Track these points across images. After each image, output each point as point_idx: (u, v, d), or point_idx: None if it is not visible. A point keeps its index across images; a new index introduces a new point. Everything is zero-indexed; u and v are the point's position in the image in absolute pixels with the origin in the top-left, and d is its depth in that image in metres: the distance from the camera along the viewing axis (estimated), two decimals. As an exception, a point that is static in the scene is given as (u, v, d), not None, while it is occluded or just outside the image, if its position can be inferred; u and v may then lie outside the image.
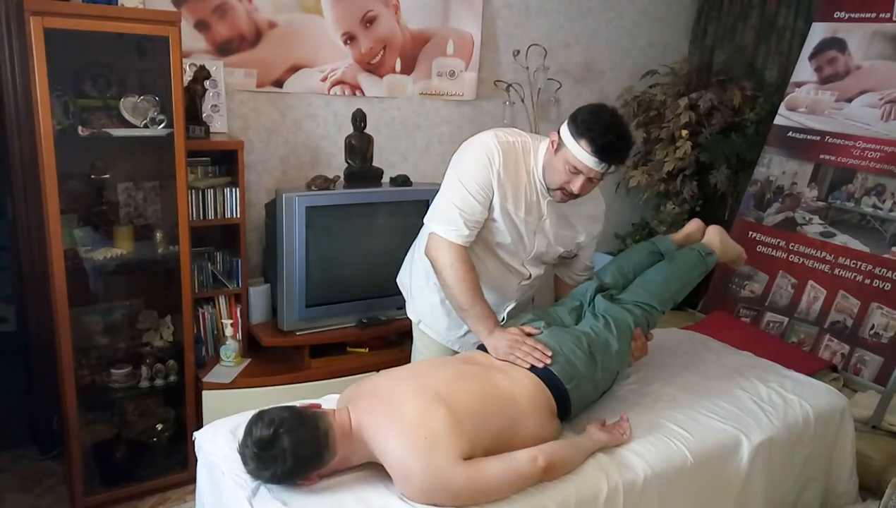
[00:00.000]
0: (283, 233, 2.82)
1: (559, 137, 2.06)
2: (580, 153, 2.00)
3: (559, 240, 2.26)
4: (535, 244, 2.23)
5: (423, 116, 3.65)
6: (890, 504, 2.17)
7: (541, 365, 1.97)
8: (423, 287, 2.35)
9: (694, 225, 2.59)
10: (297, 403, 1.81)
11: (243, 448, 1.65)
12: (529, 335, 2.07)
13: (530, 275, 2.30)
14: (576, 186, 2.06)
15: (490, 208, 2.13)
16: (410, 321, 2.46)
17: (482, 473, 1.65)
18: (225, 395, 2.77)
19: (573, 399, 1.99)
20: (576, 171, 2.03)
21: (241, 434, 1.72)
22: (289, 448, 1.59)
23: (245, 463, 1.65)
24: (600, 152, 1.99)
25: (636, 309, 2.21)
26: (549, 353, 1.99)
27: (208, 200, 2.80)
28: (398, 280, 2.54)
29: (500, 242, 2.20)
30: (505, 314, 2.32)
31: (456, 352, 2.34)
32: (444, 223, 2.11)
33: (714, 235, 2.51)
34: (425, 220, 2.22)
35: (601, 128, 1.98)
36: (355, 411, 1.73)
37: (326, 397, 2.13)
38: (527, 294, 2.40)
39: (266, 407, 1.69)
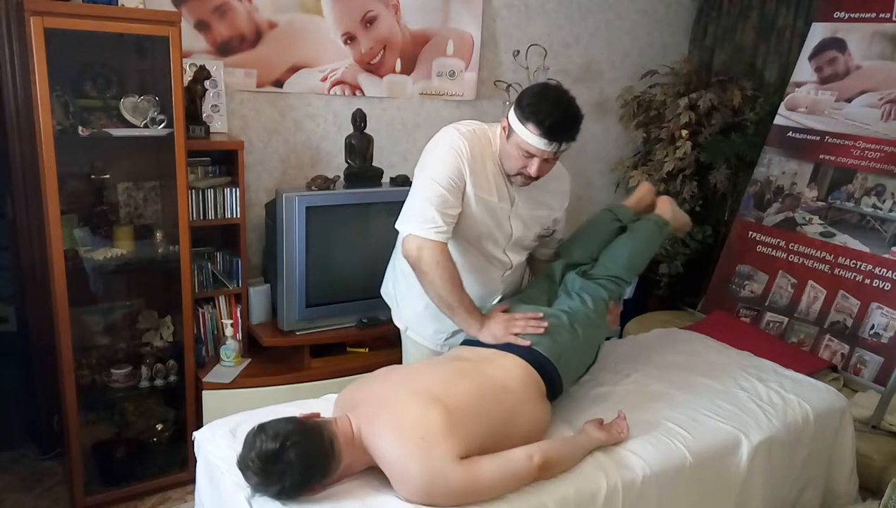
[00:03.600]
0: (283, 233, 2.83)
1: (508, 124, 2.06)
2: (529, 137, 1.99)
3: (535, 220, 2.27)
4: (513, 229, 2.23)
5: (423, 116, 3.65)
6: (890, 504, 2.17)
7: (541, 331, 2.02)
8: (406, 294, 2.34)
9: (644, 189, 2.65)
10: (298, 412, 1.80)
11: (245, 463, 1.61)
12: (507, 311, 2.13)
13: (512, 264, 2.30)
14: (532, 169, 2.05)
15: (465, 200, 2.12)
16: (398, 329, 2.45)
17: (479, 473, 1.66)
18: (225, 395, 2.77)
19: (562, 374, 2.02)
20: (529, 155, 2.03)
21: (241, 434, 1.71)
22: (296, 461, 1.57)
23: (248, 479, 1.62)
24: (549, 133, 1.98)
25: (609, 284, 2.26)
26: (541, 315, 2.05)
27: (208, 200, 2.80)
28: (382, 291, 2.52)
29: (480, 233, 2.19)
30: (492, 306, 2.30)
31: (443, 354, 2.31)
32: (422, 222, 2.07)
33: (665, 204, 2.57)
34: (398, 225, 2.17)
35: (546, 109, 1.97)
36: (356, 418, 1.72)
37: (326, 397, 2.14)
38: (512, 285, 2.39)
39: (265, 420, 1.66)
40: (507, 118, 2.06)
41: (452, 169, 2.08)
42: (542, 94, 2.02)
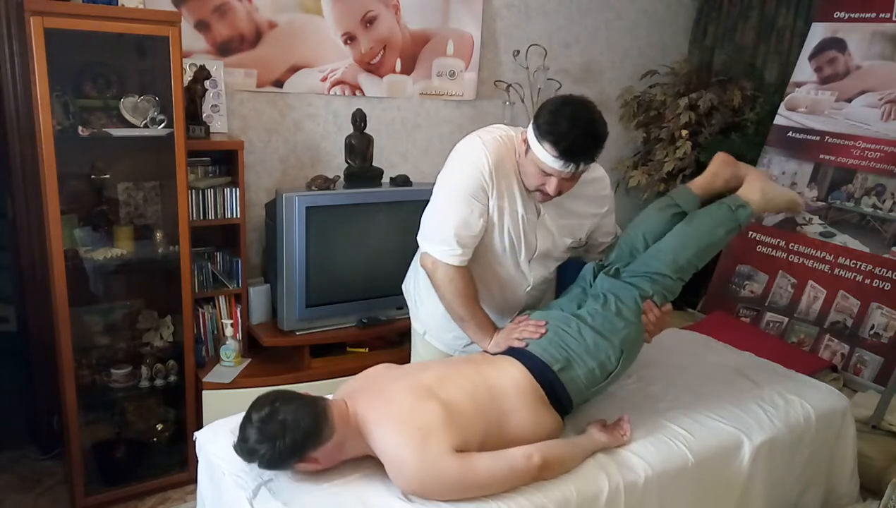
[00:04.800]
0: (283, 233, 2.82)
1: (527, 139, 1.94)
2: (545, 156, 1.88)
3: (563, 230, 2.16)
4: (539, 240, 2.13)
5: (423, 116, 3.65)
6: (890, 504, 2.18)
7: (537, 336, 1.98)
8: (426, 299, 2.26)
9: (717, 161, 2.24)
10: None
11: (242, 436, 1.65)
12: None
13: (535, 278, 2.21)
14: (551, 189, 1.94)
15: (489, 213, 2.03)
16: (411, 327, 2.40)
17: (474, 466, 1.66)
18: (225, 395, 2.77)
19: (565, 381, 1.93)
20: (546, 174, 1.93)
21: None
22: (289, 420, 1.61)
23: (244, 440, 1.64)
24: (565, 154, 1.86)
25: (643, 282, 2.07)
26: (543, 323, 2.01)
27: (208, 200, 2.79)
28: (403, 286, 2.45)
29: (505, 245, 2.10)
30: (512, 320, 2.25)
31: None
32: (439, 243, 2.01)
33: (754, 182, 2.17)
34: (419, 236, 2.11)
35: (563, 129, 1.85)
36: (352, 403, 1.75)
37: (326, 397, 2.13)
38: (534, 299, 2.30)
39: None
40: (526, 132, 1.96)
41: (472, 185, 1.99)
42: (560, 112, 1.88)
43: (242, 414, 1.98)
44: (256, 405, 1.67)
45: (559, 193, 1.98)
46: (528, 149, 1.95)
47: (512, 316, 2.23)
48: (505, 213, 2.05)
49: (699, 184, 2.26)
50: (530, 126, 1.94)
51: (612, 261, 2.19)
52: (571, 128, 1.85)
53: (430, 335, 2.33)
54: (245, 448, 1.64)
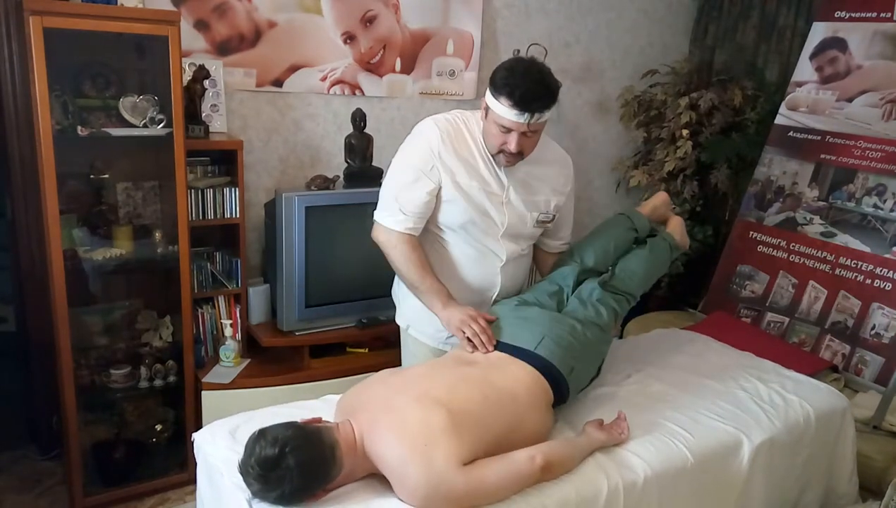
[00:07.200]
0: (282, 233, 2.82)
1: (486, 102, 2.08)
2: (502, 110, 2.01)
3: (532, 206, 2.24)
4: (507, 216, 2.20)
5: (423, 116, 3.54)
6: (890, 504, 2.17)
7: (484, 351, 2.00)
8: (406, 292, 2.31)
9: (660, 198, 2.65)
10: (298, 414, 1.78)
11: (246, 469, 1.59)
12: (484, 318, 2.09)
13: (507, 253, 2.25)
14: (511, 145, 2.05)
15: (442, 188, 2.13)
16: (398, 328, 2.44)
17: (481, 478, 1.65)
18: (224, 395, 2.77)
19: (571, 387, 2.03)
20: (506, 130, 2.04)
21: (240, 435, 1.71)
22: (295, 467, 1.55)
23: (249, 485, 1.61)
24: (520, 103, 1.98)
25: (620, 299, 2.28)
26: (494, 342, 2.02)
27: (208, 200, 2.79)
28: (392, 291, 2.49)
29: (466, 221, 2.18)
30: (491, 301, 2.28)
31: (445, 352, 2.27)
32: (383, 211, 2.19)
33: (677, 226, 2.59)
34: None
35: (516, 80, 1.98)
36: (358, 424, 1.71)
37: (326, 397, 2.13)
38: (514, 278, 2.33)
39: (266, 425, 1.65)
40: (485, 97, 2.08)
41: (419, 160, 2.13)
42: (513, 67, 2.03)
43: (241, 415, 2.00)
44: (260, 443, 1.58)
45: (521, 151, 2.09)
46: (486, 112, 2.08)
47: (489, 294, 2.28)
48: (464, 188, 2.15)
49: (646, 212, 2.56)
50: (487, 89, 2.07)
51: (596, 269, 2.33)
52: (524, 79, 1.99)
53: (412, 329, 2.39)
54: (252, 490, 1.61)
